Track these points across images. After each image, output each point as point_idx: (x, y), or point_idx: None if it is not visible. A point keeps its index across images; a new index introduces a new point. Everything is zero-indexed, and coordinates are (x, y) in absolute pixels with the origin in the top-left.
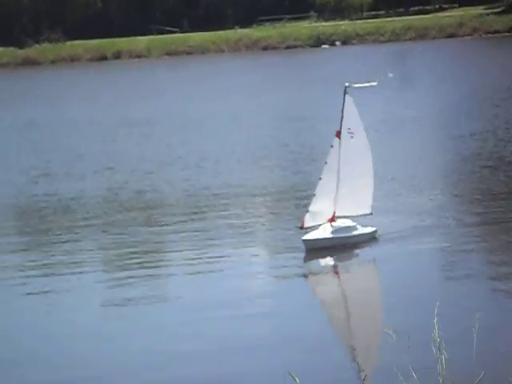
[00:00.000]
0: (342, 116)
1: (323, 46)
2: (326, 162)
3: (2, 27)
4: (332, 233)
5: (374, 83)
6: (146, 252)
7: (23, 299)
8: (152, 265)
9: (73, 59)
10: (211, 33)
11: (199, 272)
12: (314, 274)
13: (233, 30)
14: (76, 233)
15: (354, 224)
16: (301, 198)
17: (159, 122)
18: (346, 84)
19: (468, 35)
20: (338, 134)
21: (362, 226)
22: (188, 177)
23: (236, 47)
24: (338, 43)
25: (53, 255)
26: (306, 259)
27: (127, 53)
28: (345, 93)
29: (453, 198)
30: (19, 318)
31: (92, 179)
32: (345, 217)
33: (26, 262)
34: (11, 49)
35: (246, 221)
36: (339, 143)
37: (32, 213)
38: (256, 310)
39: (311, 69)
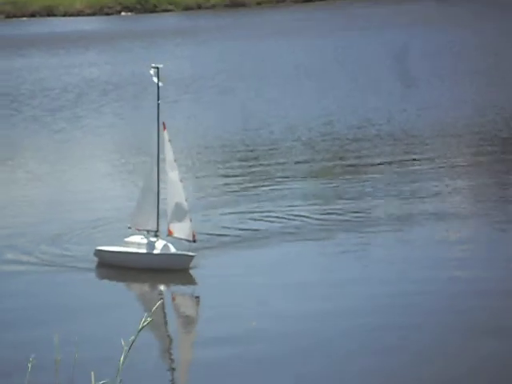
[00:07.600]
0: (158, 104)
1: None
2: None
3: None
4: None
5: (161, 84)
6: None
7: None
8: None
9: None
10: None
11: None
12: None
13: None
14: None
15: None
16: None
17: None
18: (153, 65)
19: None
20: (165, 127)
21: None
22: None
23: None
24: None
25: None
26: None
27: None
28: (158, 76)
29: None
30: None
31: None
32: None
33: None
34: None
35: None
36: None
37: None
38: None
39: None
